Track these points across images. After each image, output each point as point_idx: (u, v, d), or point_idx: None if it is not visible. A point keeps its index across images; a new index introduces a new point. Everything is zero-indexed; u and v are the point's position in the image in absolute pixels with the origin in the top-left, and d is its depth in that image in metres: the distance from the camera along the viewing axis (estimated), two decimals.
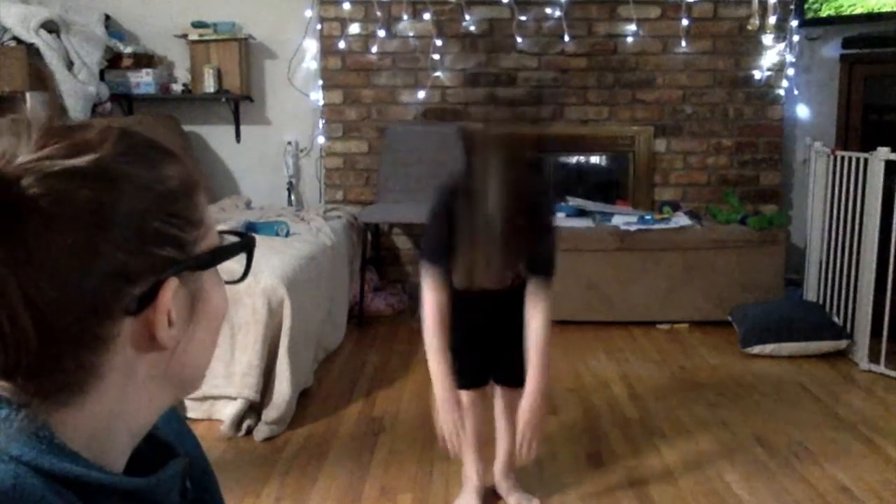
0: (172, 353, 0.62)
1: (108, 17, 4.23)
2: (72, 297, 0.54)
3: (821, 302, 3.76)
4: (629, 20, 4.27)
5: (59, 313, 0.54)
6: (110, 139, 0.58)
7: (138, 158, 0.60)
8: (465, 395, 2.25)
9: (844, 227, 3.49)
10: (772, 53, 4.26)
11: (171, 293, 0.59)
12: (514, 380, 2.24)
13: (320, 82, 4.36)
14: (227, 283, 0.70)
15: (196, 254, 0.62)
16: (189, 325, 0.63)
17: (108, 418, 0.60)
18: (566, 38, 4.26)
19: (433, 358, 2.13)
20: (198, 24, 4.24)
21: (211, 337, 0.67)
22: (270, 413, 2.72)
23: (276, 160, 4.49)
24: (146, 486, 0.62)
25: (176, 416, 0.77)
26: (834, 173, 3.60)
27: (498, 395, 2.32)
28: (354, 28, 4.28)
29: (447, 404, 2.06)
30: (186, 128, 4.41)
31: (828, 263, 3.68)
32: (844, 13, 4.04)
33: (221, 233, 0.68)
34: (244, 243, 0.69)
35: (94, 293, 0.55)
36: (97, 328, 0.56)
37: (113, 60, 4.16)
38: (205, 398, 2.79)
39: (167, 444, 0.70)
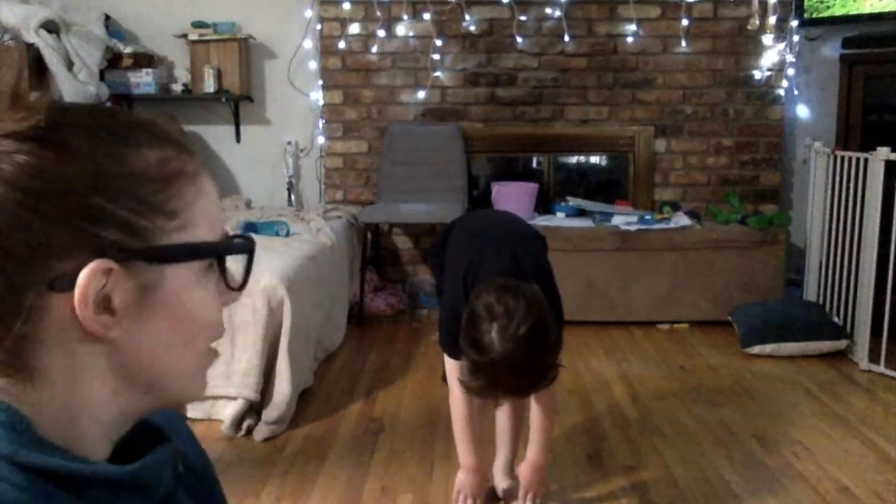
0: (117, 344, 0.59)
1: (108, 17, 4.23)
2: None
3: (821, 302, 3.76)
4: (629, 20, 4.27)
5: None
6: (63, 109, 0.57)
7: (94, 132, 0.58)
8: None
9: (844, 227, 3.50)
10: (772, 53, 4.26)
11: (93, 275, 0.56)
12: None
13: (320, 82, 4.36)
14: (231, 289, 0.66)
15: (157, 244, 0.59)
16: (138, 319, 0.59)
17: (68, 404, 0.59)
18: (566, 38, 4.26)
19: (463, 449, 2.13)
20: (198, 24, 4.24)
21: (179, 340, 0.62)
22: (270, 413, 2.72)
23: (276, 160, 4.49)
24: (130, 473, 0.60)
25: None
26: (834, 173, 3.60)
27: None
28: (354, 28, 4.28)
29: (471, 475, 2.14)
30: (186, 128, 4.41)
31: (828, 263, 3.68)
32: (844, 13, 4.04)
33: (232, 237, 0.65)
34: (224, 246, 0.65)
35: (14, 259, 0.54)
36: (20, 298, 0.55)
37: (113, 60, 4.16)
38: (205, 398, 2.79)
39: (158, 429, 0.68)
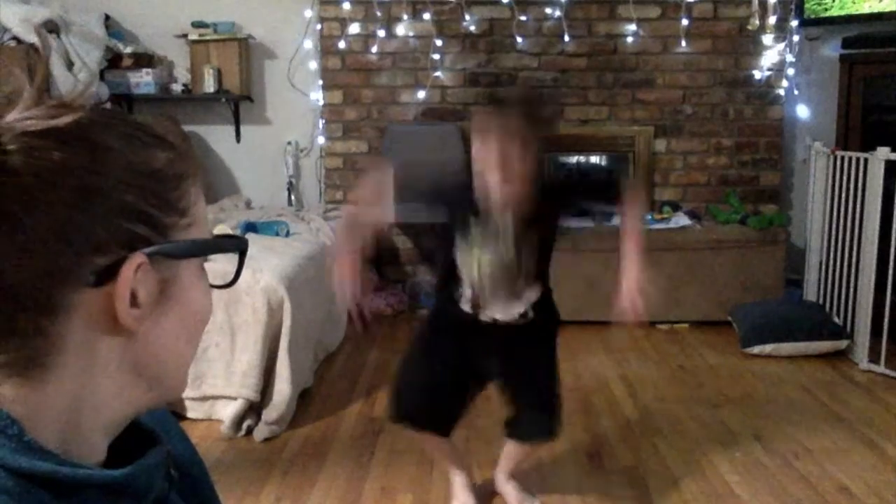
0: (136, 338, 0.60)
1: (108, 17, 4.23)
2: (30, 254, 0.54)
3: (821, 302, 3.76)
4: (629, 20, 4.26)
5: (15, 269, 0.54)
6: (91, 108, 0.58)
7: (119, 131, 0.59)
8: (428, 439, 2.18)
9: (844, 227, 3.49)
10: (772, 53, 4.26)
11: (134, 270, 0.57)
12: (526, 435, 2.17)
13: (320, 82, 4.36)
14: (219, 286, 0.69)
15: (173, 239, 0.61)
16: (156, 313, 0.61)
17: (75, 404, 0.59)
18: (566, 38, 4.26)
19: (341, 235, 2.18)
20: (198, 24, 4.24)
21: (185, 335, 0.64)
22: (270, 413, 2.72)
23: (276, 160, 4.49)
24: (122, 477, 0.60)
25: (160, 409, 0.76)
26: (834, 173, 3.60)
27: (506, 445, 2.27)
28: (354, 28, 4.28)
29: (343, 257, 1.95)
30: (186, 128, 4.40)
31: (828, 263, 3.68)
32: (844, 13, 4.05)
33: (218, 236, 0.67)
34: (229, 243, 0.68)
35: (53, 255, 0.55)
36: (55, 293, 0.55)
37: (113, 60, 4.16)
38: (205, 398, 2.79)
39: (151, 432, 0.68)
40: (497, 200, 1.92)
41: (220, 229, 3.09)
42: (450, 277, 2.06)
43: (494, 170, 1.89)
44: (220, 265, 0.72)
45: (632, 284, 2.06)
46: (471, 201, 1.95)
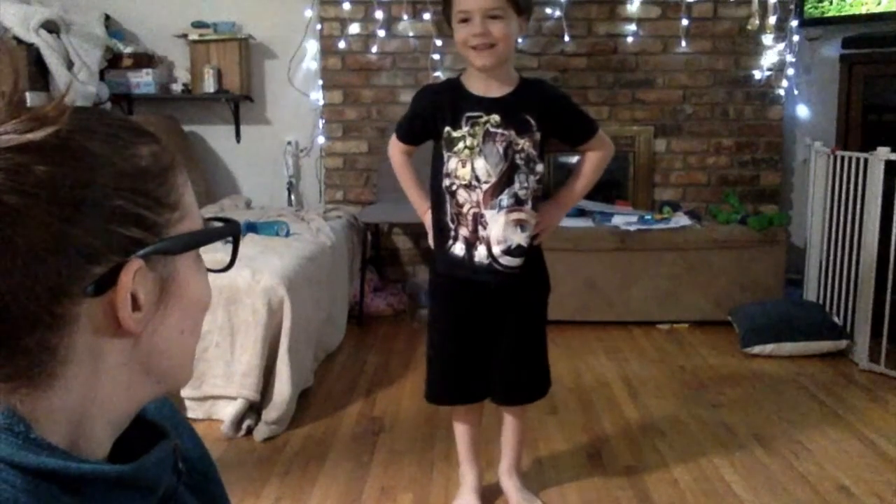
0: (141, 338, 0.60)
1: (108, 17, 4.23)
2: (27, 274, 0.53)
3: (821, 302, 3.76)
4: (629, 20, 4.27)
5: (14, 291, 0.53)
6: (68, 114, 0.56)
7: (100, 134, 0.58)
8: (458, 409, 2.24)
9: (844, 227, 3.49)
10: (772, 53, 4.26)
11: (132, 275, 0.57)
12: (517, 397, 2.22)
13: (320, 82, 4.36)
14: (215, 271, 0.69)
15: (167, 236, 0.60)
16: (159, 311, 0.61)
17: (83, 405, 0.59)
18: (566, 38, 4.26)
19: (413, 196, 2.30)
20: (198, 24, 4.24)
21: (188, 326, 0.64)
22: (270, 413, 2.72)
23: (276, 160, 4.49)
24: (130, 472, 0.60)
25: (168, 402, 0.75)
26: (834, 173, 3.60)
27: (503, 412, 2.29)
28: (354, 28, 4.28)
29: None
30: (186, 128, 4.41)
31: (828, 263, 3.68)
32: (845, 13, 4.05)
33: (208, 220, 0.67)
34: (224, 230, 0.67)
35: (51, 271, 0.54)
36: (56, 308, 0.55)
37: (113, 60, 4.17)
38: (205, 398, 2.79)
39: (158, 427, 0.69)
40: (482, 93, 2.07)
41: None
42: (441, 216, 2.14)
43: (476, 45, 2.00)
44: (219, 254, 0.72)
45: (550, 220, 2.17)
46: (457, 100, 2.06)
